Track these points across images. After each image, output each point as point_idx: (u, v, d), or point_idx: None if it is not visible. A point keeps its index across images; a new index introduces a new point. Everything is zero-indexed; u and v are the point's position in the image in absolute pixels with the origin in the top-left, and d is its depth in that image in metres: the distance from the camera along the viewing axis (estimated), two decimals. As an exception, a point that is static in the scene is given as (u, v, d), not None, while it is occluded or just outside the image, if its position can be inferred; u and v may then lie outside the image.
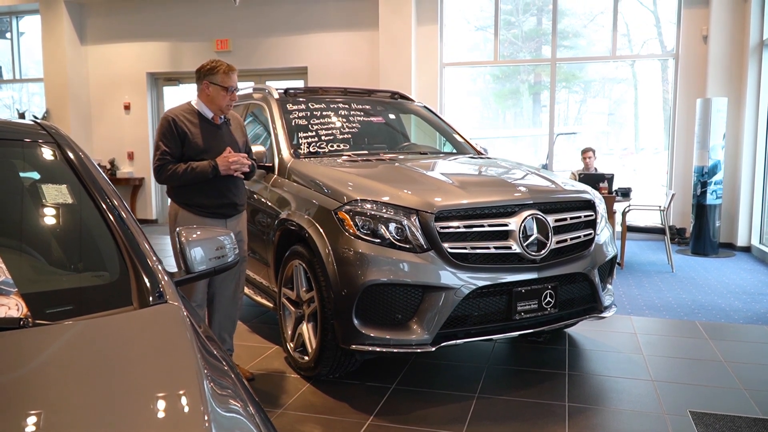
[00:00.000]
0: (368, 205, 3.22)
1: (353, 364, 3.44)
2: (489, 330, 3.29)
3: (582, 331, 4.41)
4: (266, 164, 4.04)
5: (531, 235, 3.30)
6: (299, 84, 9.72)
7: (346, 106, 4.68)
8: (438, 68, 9.00)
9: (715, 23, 7.81)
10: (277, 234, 3.77)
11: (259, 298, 4.25)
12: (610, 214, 6.14)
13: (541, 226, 3.34)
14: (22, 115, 10.72)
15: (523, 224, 3.27)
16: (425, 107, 5.26)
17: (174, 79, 10.32)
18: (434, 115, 5.22)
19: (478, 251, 3.21)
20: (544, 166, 8.95)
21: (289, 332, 3.72)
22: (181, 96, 10.29)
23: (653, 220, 7.59)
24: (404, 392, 3.40)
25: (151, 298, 1.53)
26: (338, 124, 4.46)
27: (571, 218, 3.52)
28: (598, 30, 9.53)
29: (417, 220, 3.16)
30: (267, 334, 4.40)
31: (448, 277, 3.12)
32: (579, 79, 10.58)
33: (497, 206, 3.29)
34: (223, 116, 3.40)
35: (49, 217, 1.87)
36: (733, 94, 7.78)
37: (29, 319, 1.36)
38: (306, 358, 3.53)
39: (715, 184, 7.57)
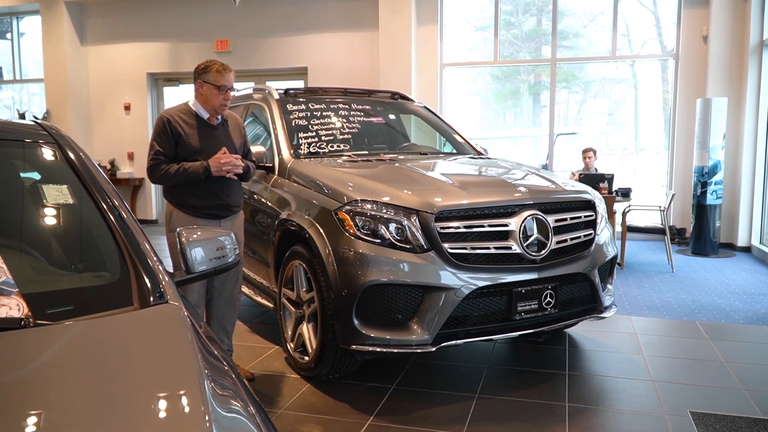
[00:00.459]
0: (368, 206, 3.22)
1: (353, 365, 3.44)
2: (489, 330, 3.29)
3: (582, 331, 4.41)
4: (266, 164, 4.04)
5: (531, 236, 3.30)
6: (299, 84, 9.73)
7: (346, 106, 4.68)
8: (438, 68, 9.00)
9: (715, 23, 7.81)
10: (278, 234, 3.77)
11: (259, 299, 4.25)
12: (610, 214, 6.14)
13: (542, 226, 3.34)
14: (22, 116, 10.72)
15: (523, 224, 3.27)
16: (425, 107, 5.26)
17: (174, 79, 10.33)
18: (434, 116, 5.22)
19: (479, 251, 3.21)
20: (544, 167, 8.95)
21: (290, 332, 3.72)
22: (181, 96, 10.26)
23: (653, 220, 7.59)
24: (404, 392, 3.40)
25: (151, 299, 1.53)
26: (338, 125, 4.46)
27: (572, 218, 3.52)
28: (598, 30, 9.54)
29: (417, 220, 3.16)
30: (267, 335, 4.41)
31: (449, 277, 3.12)
32: (579, 79, 10.58)
33: (497, 206, 3.30)
34: (219, 117, 3.38)
35: (50, 218, 1.87)
36: (734, 94, 7.79)
37: (30, 320, 1.36)
38: (306, 358, 3.53)
39: (715, 184, 7.57)
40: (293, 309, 3.69)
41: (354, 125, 4.55)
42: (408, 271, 3.11)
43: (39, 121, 2.17)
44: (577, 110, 11.09)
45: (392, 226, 3.17)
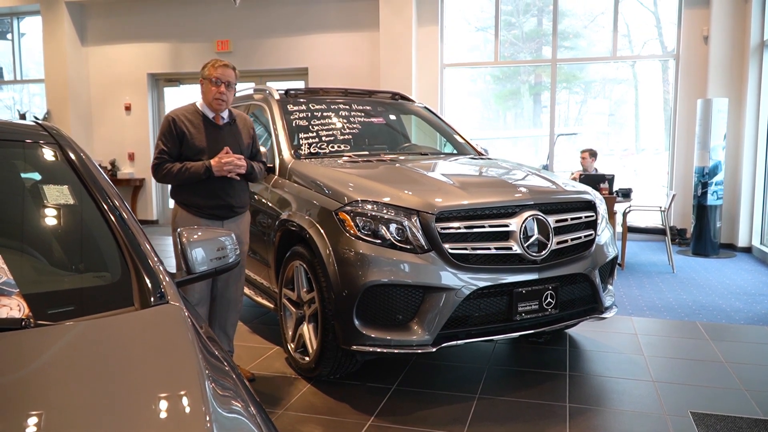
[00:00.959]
0: (369, 206, 3.22)
1: (354, 365, 3.44)
2: (490, 331, 3.29)
3: (583, 331, 4.41)
4: (267, 165, 4.04)
5: (532, 236, 3.30)
6: (300, 85, 9.73)
7: (347, 106, 4.68)
8: (438, 69, 9.00)
9: (715, 24, 7.81)
10: (278, 235, 3.78)
11: (259, 299, 4.25)
12: (611, 214, 6.13)
13: (542, 226, 3.34)
14: (23, 116, 10.73)
15: (523, 225, 3.27)
16: (426, 108, 5.26)
17: (174, 79, 10.33)
18: (435, 116, 5.22)
19: (479, 252, 3.21)
20: (545, 167, 8.95)
21: (290, 333, 3.72)
22: (182, 96, 10.30)
23: (654, 220, 7.59)
24: (405, 393, 3.40)
25: (152, 299, 1.53)
26: (339, 125, 4.46)
27: (572, 219, 3.52)
28: (598, 31, 9.54)
29: (418, 220, 3.16)
30: (268, 335, 4.41)
31: (449, 277, 3.12)
32: (579, 79, 10.58)
33: (498, 207, 3.29)
34: (226, 117, 3.38)
35: (51, 218, 1.87)
36: (734, 94, 7.78)
37: (31, 320, 1.36)
38: (307, 358, 3.53)
39: (715, 184, 7.57)
40: (294, 309, 3.69)
41: (354, 126, 4.55)
42: (408, 272, 3.11)
43: (39, 122, 2.17)
44: (577, 111, 11.09)
45: (393, 227, 3.17)
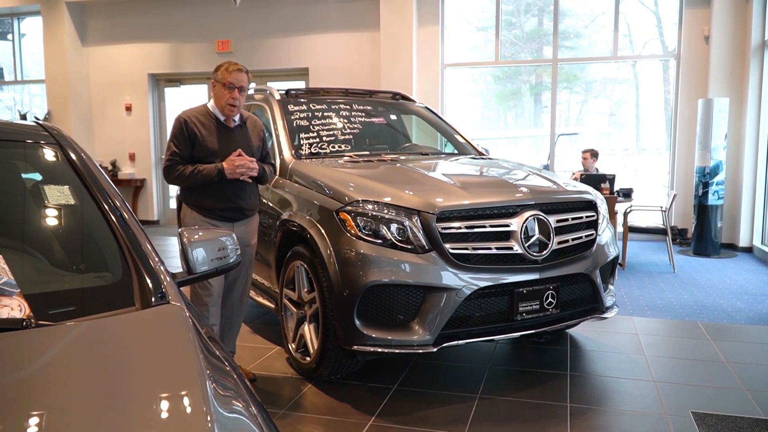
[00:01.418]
0: (370, 206, 3.22)
1: (355, 365, 3.44)
2: (491, 330, 3.29)
3: (584, 331, 4.41)
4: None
5: (533, 236, 3.30)
6: (300, 85, 9.73)
7: (348, 106, 4.68)
8: (439, 69, 9.00)
9: (716, 23, 7.80)
10: (279, 235, 3.78)
11: (260, 299, 4.25)
12: (612, 214, 6.13)
13: (543, 226, 3.34)
14: (23, 117, 10.73)
15: (524, 225, 3.27)
16: (426, 108, 5.26)
17: (175, 80, 10.33)
18: (435, 116, 5.22)
19: (480, 252, 3.20)
20: (546, 167, 8.94)
21: (291, 333, 3.72)
22: (183, 97, 10.31)
23: (655, 220, 7.59)
24: (406, 393, 3.39)
25: (153, 299, 1.53)
26: (339, 125, 4.46)
27: (573, 219, 3.52)
28: (599, 30, 9.53)
29: (419, 220, 3.16)
30: (268, 335, 4.41)
31: (450, 277, 3.12)
32: (580, 79, 10.58)
33: (499, 207, 3.29)
34: (237, 119, 3.38)
35: (52, 218, 1.88)
36: (735, 94, 7.78)
37: (32, 320, 1.36)
38: (308, 358, 3.53)
39: (716, 184, 7.56)
40: (295, 309, 3.69)
41: (355, 126, 4.55)
42: (409, 272, 3.11)
43: (40, 122, 2.17)
44: (578, 111, 11.09)
45: (394, 227, 3.17)
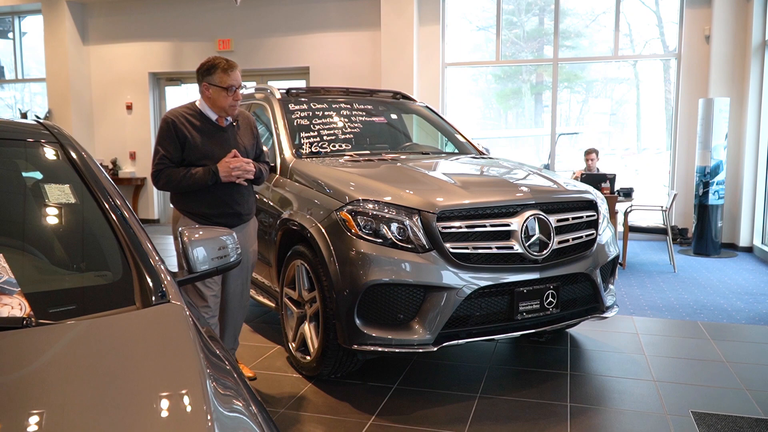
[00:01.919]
0: (370, 205, 3.22)
1: (355, 364, 3.44)
2: (491, 330, 3.29)
3: (584, 331, 4.41)
4: (270, 165, 4.04)
5: (533, 235, 3.30)
6: (301, 84, 9.73)
7: (348, 106, 4.68)
8: (440, 68, 9.00)
9: (717, 23, 7.80)
10: (279, 234, 3.77)
11: (261, 298, 4.25)
12: (612, 214, 6.13)
13: (543, 226, 3.34)
14: (24, 115, 10.74)
15: (525, 224, 3.27)
16: (427, 107, 5.26)
17: (176, 79, 10.34)
18: (436, 115, 5.22)
19: (480, 251, 3.20)
20: (546, 167, 8.94)
21: (291, 332, 3.72)
22: (183, 96, 10.30)
23: (655, 220, 7.59)
24: (406, 392, 3.40)
25: (153, 298, 1.53)
26: (340, 124, 4.46)
27: (573, 218, 3.52)
28: (600, 30, 9.53)
29: (419, 220, 3.16)
30: (269, 334, 4.41)
31: (450, 277, 3.12)
32: (581, 79, 10.57)
33: (499, 206, 3.29)
34: (229, 118, 3.14)
35: (52, 217, 1.88)
36: (736, 94, 7.78)
37: (32, 319, 1.36)
38: (308, 357, 3.53)
39: (717, 184, 7.56)
40: (295, 309, 3.69)
41: (356, 125, 4.55)
42: (410, 271, 3.11)
43: (41, 121, 2.17)
44: (579, 110, 11.09)
45: (394, 226, 3.16)
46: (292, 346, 3.70)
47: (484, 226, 3.23)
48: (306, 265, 3.47)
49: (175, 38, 10.02)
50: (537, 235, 3.31)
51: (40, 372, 1.23)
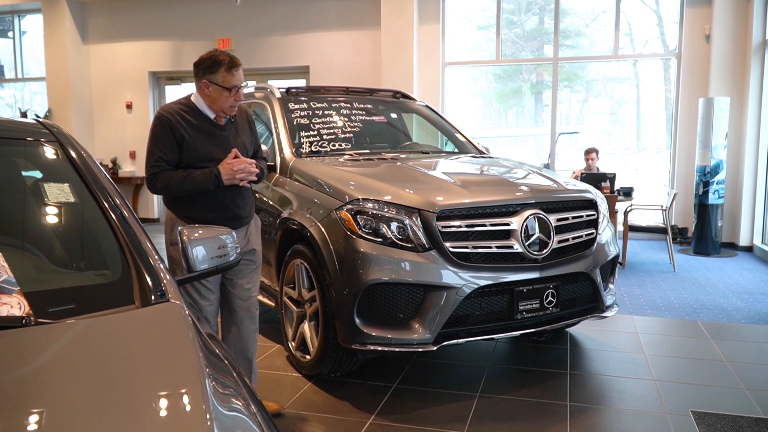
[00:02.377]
0: (370, 204, 3.22)
1: (355, 363, 3.44)
2: (491, 329, 3.29)
3: (584, 330, 4.41)
4: (268, 163, 4.04)
5: (533, 235, 3.29)
6: (301, 83, 9.73)
7: (348, 105, 4.67)
8: (440, 67, 9.00)
9: (717, 22, 7.79)
10: (279, 233, 3.77)
11: (260, 297, 4.25)
12: (612, 213, 6.13)
13: (543, 225, 3.34)
14: (24, 114, 10.73)
15: (524, 224, 3.27)
16: (427, 106, 5.25)
17: (176, 78, 10.33)
18: (436, 115, 5.21)
19: (480, 250, 3.20)
20: (546, 166, 8.94)
21: (291, 331, 3.72)
22: (183, 95, 10.28)
23: (655, 219, 7.59)
24: (406, 391, 3.40)
25: (153, 297, 1.53)
26: (340, 123, 4.46)
27: (573, 218, 3.52)
28: (600, 29, 9.53)
29: (419, 219, 3.16)
30: (268, 333, 4.41)
31: (450, 276, 3.12)
32: (581, 78, 10.57)
33: (499, 205, 3.29)
34: (227, 116, 2.89)
35: (52, 216, 1.87)
36: (736, 93, 7.77)
37: (31, 318, 1.36)
38: (307, 357, 3.53)
39: (717, 183, 7.56)
40: (295, 308, 3.69)
41: (356, 124, 4.55)
42: (409, 270, 3.11)
43: (41, 120, 2.17)
44: (579, 109, 11.09)
45: (394, 225, 3.16)
46: (292, 345, 3.70)
47: (484, 225, 3.23)
48: (306, 264, 3.47)
49: (175, 37, 10.01)
50: (537, 234, 3.31)
51: (40, 371, 1.23)
